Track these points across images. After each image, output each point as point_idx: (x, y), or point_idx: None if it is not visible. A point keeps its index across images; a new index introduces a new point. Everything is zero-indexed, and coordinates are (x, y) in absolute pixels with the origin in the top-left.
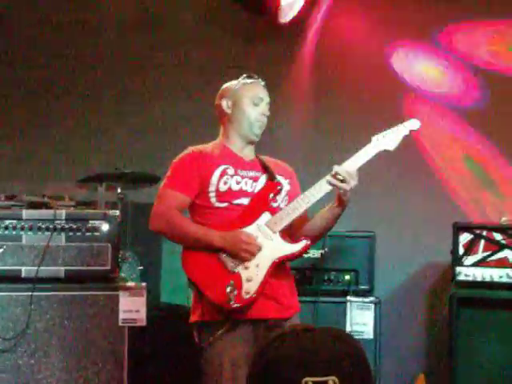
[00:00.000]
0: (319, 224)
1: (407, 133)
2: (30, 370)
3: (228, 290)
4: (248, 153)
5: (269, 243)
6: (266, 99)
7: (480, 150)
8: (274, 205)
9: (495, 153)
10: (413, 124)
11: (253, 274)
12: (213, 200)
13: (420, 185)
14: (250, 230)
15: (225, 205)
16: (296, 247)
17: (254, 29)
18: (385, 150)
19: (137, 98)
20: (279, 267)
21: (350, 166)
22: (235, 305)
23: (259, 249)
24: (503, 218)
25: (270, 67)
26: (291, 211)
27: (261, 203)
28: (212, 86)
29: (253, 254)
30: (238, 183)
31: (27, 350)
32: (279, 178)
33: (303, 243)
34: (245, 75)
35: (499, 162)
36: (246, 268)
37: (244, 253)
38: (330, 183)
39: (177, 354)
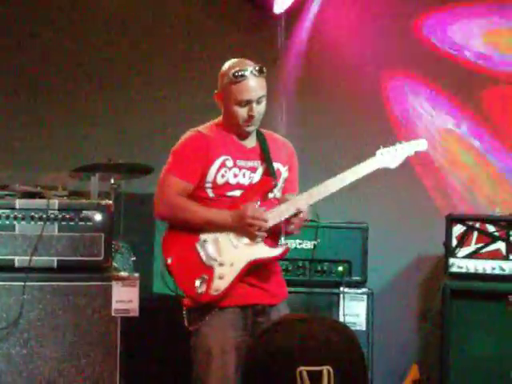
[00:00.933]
0: None
1: (412, 153)
2: (22, 359)
3: (197, 283)
4: (248, 140)
5: (248, 244)
6: (256, 96)
7: (474, 142)
8: (270, 195)
9: (489, 145)
10: (420, 145)
11: (226, 272)
12: (208, 191)
13: (414, 176)
14: None
15: (220, 196)
16: (274, 252)
17: (249, 19)
18: (385, 168)
19: (130, 88)
20: None
21: (347, 178)
22: (203, 300)
23: (266, 221)
24: (496, 210)
25: (263, 58)
26: (277, 215)
27: (250, 200)
28: (205, 77)
29: (261, 227)
30: (235, 176)
31: (20, 340)
32: (277, 165)
33: (282, 248)
34: (236, 68)
35: (493, 154)
36: (221, 265)
37: (251, 227)
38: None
39: (169, 345)
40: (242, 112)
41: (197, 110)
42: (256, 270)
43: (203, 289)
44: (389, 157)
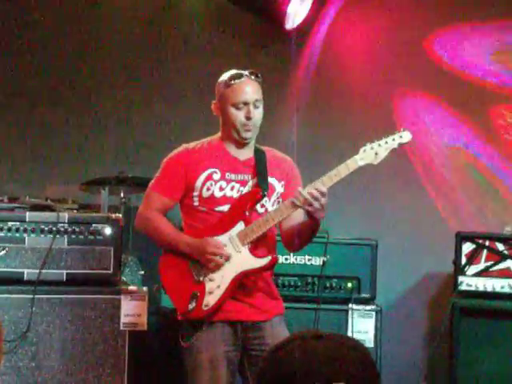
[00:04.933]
0: (300, 229)
1: (396, 146)
2: (30, 372)
3: (190, 300)
4: (244, 151)
5: (236, 255)
6: (252, 98)
7: (484, 159)
8: (261, 210)
9: (499, 162)
10: (404, 137)
11: (216, 287)
12: (196, 204)
13: (423, 193)
14: (222, 239)
15: (206, 209)
16: (260, 262)
17: (260, 34)
18: (368, 164)
19: (141, 102)
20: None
21: (328, 181)
22: (193, 316)
23: (227, 259)
24: (506, 228)
25: (274, 73)
26: (262, 224)
27: (237, 212)
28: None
29: (218, 263)
30: (221, 190)
31: (28, 353)
32: (271, 180)
33: (268, 259)
34: (231, 73)
35: (503, 171)
36: (211, 280)
37: (208, 262)
38: (294, 204)
39: (176, 360)
40: (240, 115)
41: (208, 125)
42: (245, 286)
43: (194, 305)
44: (371, 153)
